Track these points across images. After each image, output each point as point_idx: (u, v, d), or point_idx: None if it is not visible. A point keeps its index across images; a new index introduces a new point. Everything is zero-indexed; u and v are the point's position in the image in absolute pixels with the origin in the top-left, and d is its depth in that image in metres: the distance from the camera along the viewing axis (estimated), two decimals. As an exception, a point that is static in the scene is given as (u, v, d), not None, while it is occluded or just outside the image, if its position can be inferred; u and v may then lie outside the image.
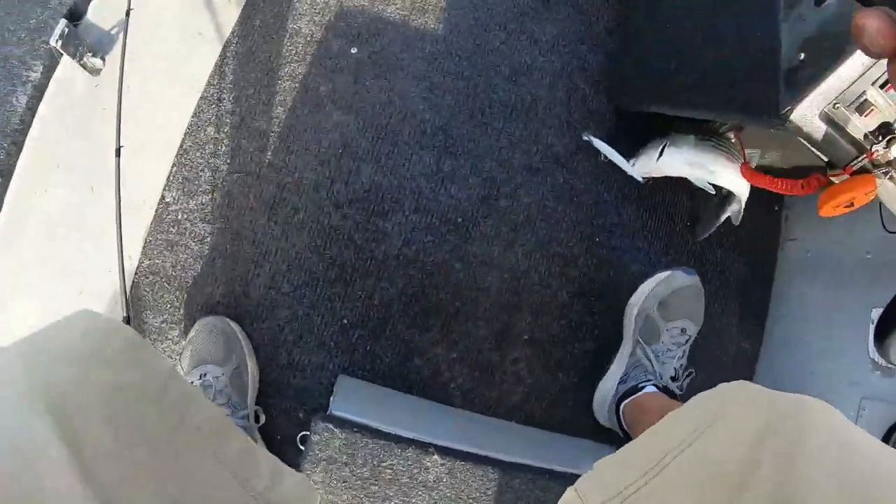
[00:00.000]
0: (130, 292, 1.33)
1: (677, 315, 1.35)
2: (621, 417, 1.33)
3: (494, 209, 1.43)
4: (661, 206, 1.52)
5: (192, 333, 1.30)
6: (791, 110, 0.95)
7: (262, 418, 1.28)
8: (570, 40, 1.50)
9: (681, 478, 0.72)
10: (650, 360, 1.34)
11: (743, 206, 1.41)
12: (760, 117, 1.03)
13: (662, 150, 1.37)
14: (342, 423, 1.13)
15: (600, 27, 1.52)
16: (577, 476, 1.22)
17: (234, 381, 1.26)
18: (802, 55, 0.95)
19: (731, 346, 1.58)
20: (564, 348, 1.46)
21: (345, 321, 1.37)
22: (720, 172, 1.35)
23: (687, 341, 1.36)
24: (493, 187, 1.42)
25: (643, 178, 1.43)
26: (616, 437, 1.45)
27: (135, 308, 1.33)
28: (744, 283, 1.60)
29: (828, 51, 0.89)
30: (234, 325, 1.30)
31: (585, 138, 1.44)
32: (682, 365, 1.36)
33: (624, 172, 1.45)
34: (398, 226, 1.39)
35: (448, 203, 1.41)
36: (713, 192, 1.37)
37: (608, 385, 1.40)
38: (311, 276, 1.36)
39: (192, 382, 1.25)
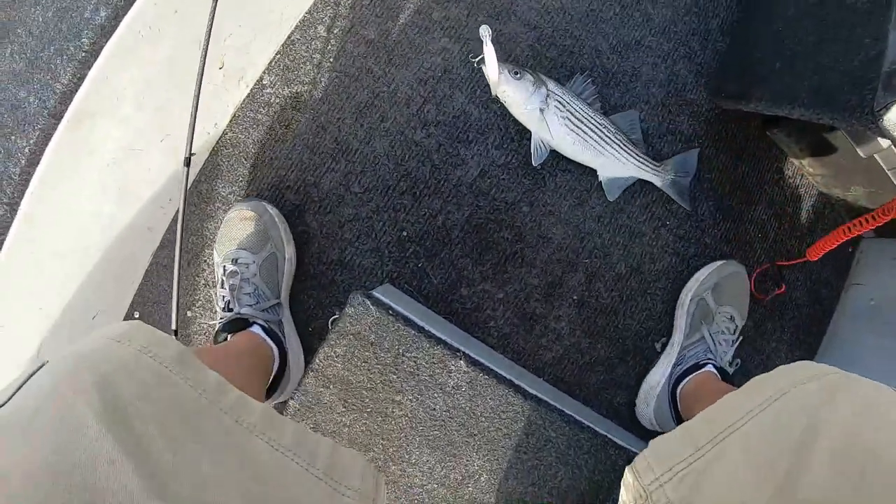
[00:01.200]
0: (208, 158, 1.32)
1: (726, 301, 1.32)
2: (678, 402, 1.26)
3: (575, 165, 1.37)
4: (735, 210, 1.44)
5: (229, 215, 1.27)
6: (885, 109, 0.92)
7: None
8: (682, 29, 1.45)
9: (738, 451, 0.69)
10: (711, 339, 1.28)
11: (665, 181, 1.39)
12: (855, 115, 0.98)
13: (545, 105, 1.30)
14: (379, 304, 1.07)
15: (715, 24, 1.46)
16: (594, 430, 1.16)
17: (266, 269, 1.23)
18: (904, 61, 0.92)
19: (776, 372, 1.48)
20: (610, 319, 1.38)
21: (404, 233, 1.33)
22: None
23: (735, 331, 1.32)
24: (577, 145, 1.37)
25: (497, 95, 1.30)
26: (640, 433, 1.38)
27: (208, 174, 1.32)
28: (802, 312, 1.49)
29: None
30: (272, 209, 1.27)
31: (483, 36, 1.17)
32: (731, 357, 1.31)
33: (718, 172, 1.40)
34: (478, 156, 1.35)
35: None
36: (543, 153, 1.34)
37: (657, 375, 1.34)
38: (383, 182, 1.33)
39: (223, 266, 1.22)
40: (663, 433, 1.35)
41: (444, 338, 1.09)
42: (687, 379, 1.25)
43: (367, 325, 1.06)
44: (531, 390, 1.12)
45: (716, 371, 1.24)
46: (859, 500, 0.57)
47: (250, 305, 1.19)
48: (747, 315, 1.37)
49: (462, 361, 1.07)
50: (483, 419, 1.09)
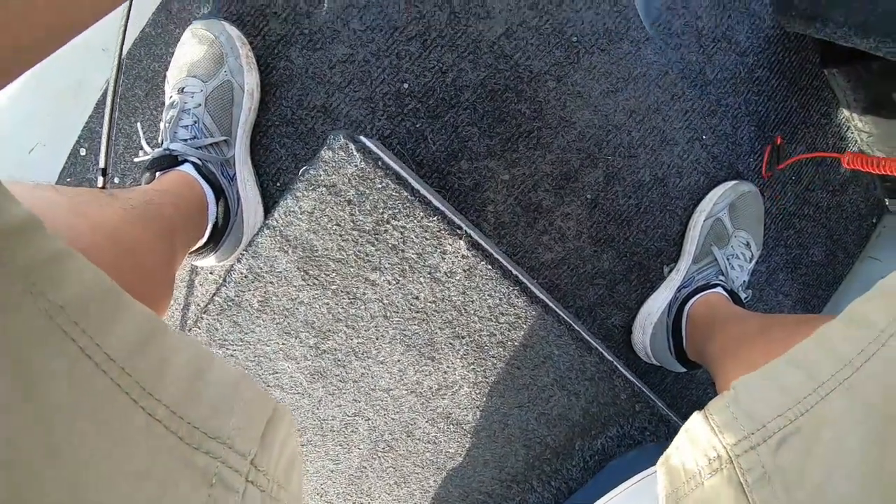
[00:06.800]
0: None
1: (743, 225, 0.99)
2: (683, 325, 0.93)
3: (615, 47, 0.98)
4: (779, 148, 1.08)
5: (183, 36, 0.88)
6: None
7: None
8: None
9: (854, 407, 0.38)
10: (725, 261, 0.95)
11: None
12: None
13: None
14: (366, 152, 0.69)
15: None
16: (602, 355, 0.81)
17: (216, 100, 0.83)
18: None
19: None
20: (621, 229, 1.02)
21: (405, 86, 0.93)
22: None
23: (750, 259, 0.99)
24: (624, 25, 0.97)
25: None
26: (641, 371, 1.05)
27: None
28: (814, 271, 1.15)
29: None
30: (231, 29, 0.87)
31: None
32: (744, 282, 0.98)
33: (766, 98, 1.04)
34: (506, 12, 0.94)
35: (570, 16, 0.96)
36: None
37: (659, 301, 1.01)
38: (390, 22, 0.92)
39: (171, 97, 0.84)
40: (658, 365, 1.04)
41: (443, 209, 0.72)
42: (695, 298, 0.93)
43: (346, 178, 0.68)
44: (541, 295, 0.76)
45: (726, 294, 0.92)
46: None
47: (184, 140, 0.80)
48: (762, 244, 1.03)
49: (463, 242, 0.70)
50: (476, 319, 0.73)
